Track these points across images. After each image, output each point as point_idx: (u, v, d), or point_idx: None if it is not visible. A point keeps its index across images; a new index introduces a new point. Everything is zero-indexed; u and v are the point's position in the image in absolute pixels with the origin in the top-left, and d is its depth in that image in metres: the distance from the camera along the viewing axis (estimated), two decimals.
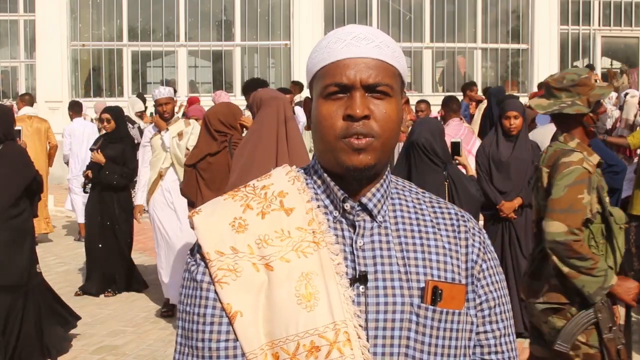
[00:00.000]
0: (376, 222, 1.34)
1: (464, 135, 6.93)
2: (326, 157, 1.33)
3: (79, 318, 5.56)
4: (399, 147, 8.42)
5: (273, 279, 1.27)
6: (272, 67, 16.75)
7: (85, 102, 11.11)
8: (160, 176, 6.28)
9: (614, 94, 10.42)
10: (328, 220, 1.33)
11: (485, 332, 1.38)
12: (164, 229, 6.28)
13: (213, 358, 1.27)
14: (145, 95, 13.30)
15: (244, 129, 5.24)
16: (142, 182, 6.56)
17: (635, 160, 6.85)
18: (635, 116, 8.23)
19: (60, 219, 11.07)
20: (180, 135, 6.20)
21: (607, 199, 3.18)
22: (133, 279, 7.27)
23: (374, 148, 1.28)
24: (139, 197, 6.62)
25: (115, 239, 7.15)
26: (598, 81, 11.10)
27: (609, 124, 9.42)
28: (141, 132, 10.69)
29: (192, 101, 10.89)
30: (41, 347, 5.03)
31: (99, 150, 7.11)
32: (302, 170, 1.40)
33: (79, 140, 9.64)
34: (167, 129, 6.25)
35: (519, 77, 16.40)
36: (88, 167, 7.32)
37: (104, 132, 7.52)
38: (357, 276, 1.29)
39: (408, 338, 1.28)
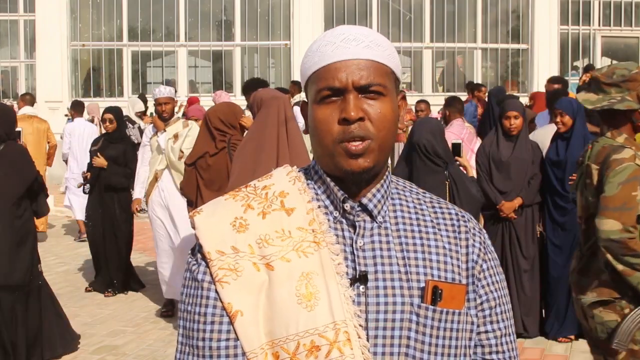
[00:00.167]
0: (376, 222, 1.34)
1: (466, 136, 6.93)
2: (324, 161, 1.33)
3: (78, 337, 5.56)
4: (399, 147, 8.43)
5: (274, 279, 1.27)
6: (272, 67, 16.75)
7: (85, 102, 11.11)
8: (156, 178, 6.26)
9: None
10: (328, 220, 1.33)
11: (486, 331, 1.38)
12: (162, 230, 6.28)
13: (214, 357, 1.27)
14: (146, 96, 13.31)
15: (244, 129, 5.24)
16: (141, 179, 6.61)
17: None
18: None
19: (60, 218, 11.07)
20: (175, 137, 6.17)
21: None
22: (131, 279, 7.27)
23: (371, 150, 1.28)
24: (137, 191, 6.66)
25: (115, 239, 7.15)
26: None
27: None
28: (141, 132, 10.70)
29: (192, 101, 10.89)
30: (42, 348, 5.03)
31: (99, 153, 7.11)
32: (303, 171, 1.41)
33: (78, 140, 9.68)
34: (165, 130, 6.24)
35: (519, 77, 16.40)
36: (88, 169, 7.32)
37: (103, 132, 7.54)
38: (357, 276, 1.29)
39: (408, 338, 1.29)
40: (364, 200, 1.34)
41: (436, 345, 1.30)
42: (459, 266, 1.35)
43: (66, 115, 11.91)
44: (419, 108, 8.85)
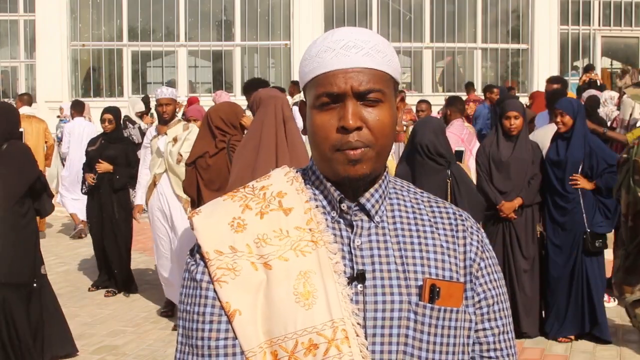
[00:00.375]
0: (374, 222, 1.35)
1: (466, 136, 6.93)
2: (322, 165, 1.34)
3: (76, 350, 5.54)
4: (399, 148, 8.42)
5: (271, 278, 1.28)
6: (272, 67, 16.76)
7: (85, 102, 11.12)
8: (155, 182, 6.21)
9: (616, 95, 10.42)
10: (326, 220, 1.34)
11: (484, 329, 1.38)
12: (162, 233, 6.25)
13: (212, 356, 1.28)
14: (149, 96, 13.30)
15: (245, 129, 5.24)
16: (142, 182, 6.54)
17: None
18: (630, 115, 8.23)
19: (60, 218, 11.06)
20: (174, 140, 6.11)
21: None
22: (129, 280, 7.27)
23: (369, 158, 1.29)
24: (138, 196, 6.59)
25: (115, 238, 7.16)
26: (598, 81, 11.13)
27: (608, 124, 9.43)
28: (142, 132, 10.70)
29: (191, 101, 10.88)
30: (42, 348, 5.03)
31: (99, 155, 7.11)
32: (301, 171, 1.41)
33: (77, 139, 9.75)
34: (166, 134, 6.18)
35: (519, 77, 16.40)
36: (85, 169, 7.31)
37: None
38: (355, 275, 1.30)
39: (406, 336, 1.29)
40: (362, 200, 1.34)
41: (434, 343, 1.30)
42: (456, 264, 1.36)
43: (58, 116, 11.95)
44: (420, 108, 8.84)
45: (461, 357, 1.34)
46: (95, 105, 11.94)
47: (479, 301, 1.38)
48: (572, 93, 9.98)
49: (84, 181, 7.37)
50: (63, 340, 5.22)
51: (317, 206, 1.35)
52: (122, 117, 9.90)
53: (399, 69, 1.37)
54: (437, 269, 1.34)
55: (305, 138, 6.95)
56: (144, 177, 6.54)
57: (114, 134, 7.28)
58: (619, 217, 6.00)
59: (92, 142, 7.42)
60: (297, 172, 1.41)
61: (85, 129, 9.84)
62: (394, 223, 1.36)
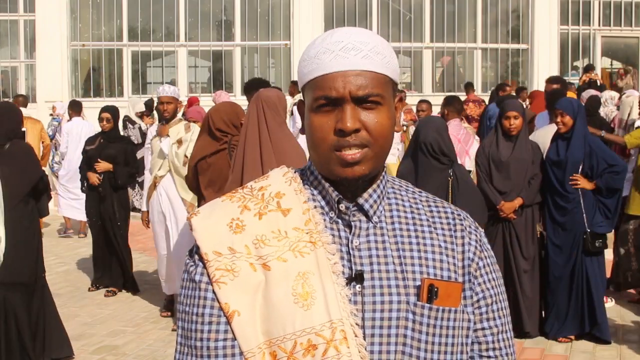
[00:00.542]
0: (372, 222, 1.35)
1: (463, 136, 6.93)
2: (320, 166, 1.34)
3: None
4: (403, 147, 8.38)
5: (270, 279, 1.28)
6: (272, 67, 16.75)
7: (85, 102, 11.15)
8: (155, 184, 6.15)
9: (616, 95, 10.42)
10: (325, 220, 1.34)
11: (483, 329, 1.39)
12: (161, 231, 6.23)
13: (212, 357, 1.28)
14: (153, 99, 13.29)
15: None
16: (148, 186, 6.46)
17: (633, 159, 6.84)
18: (628, 115, 8.24)
19: (60, 218, 11.06)
20: (179, 142, 6.06)
21: None
22: (129, 279, 7.27)
23: (368, 158, 1.29)
24: (144, 203, 6.48)
25: (115, 238, 7.17)
26: (598, 81, 11.16)
27: None
28: (142, 132, 10.71)
29: (192, 101, 10.87)
30: (43, 348, 5.03)
31: (98, 154, 7.11)
32: (299, 172, 1.41)
33: (75, 139, 9.84)
34: (168, 135, 6.13)
35: (519, 77, 16.39)
36: (83, 167, 7.31)
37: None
38: (353, 275, 1.30)
39: (405, 336, 1.29)
40: (360, 201, 1.34)
41: (432, 343, 1.31)
42: (455, 264, 1.36)
43: (51, 114, 11.97)
44: (420, 108, 8.83)
45: (460, 356, 1.35)
46: (95, 105, 11.90)
47: (478, 301, 1.38)
48: (572, 93, 9.98)
49: (83, 180, 7.36)
50: (61, 341, 5.22)
51: (315, 207, 1.35)
52: (123, 117, 9.97)
53: (398, 70, 1.36)
54: (436, 269, 1.34)
55: (303, 139, 6.98)
56: (148, 181, 6.47)
57: (113, 133, 7.29)
58: (619, 217, 6.01)
59: (90, 141, 7.39)
60: (295, 172, 1.41)
61: (84, 129, 9.91)
62: (392, 223, 1.36)
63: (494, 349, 1.39)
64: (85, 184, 7.31)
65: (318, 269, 1.28)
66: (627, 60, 16.67)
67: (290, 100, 9.81)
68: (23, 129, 5.72)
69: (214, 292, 1.29)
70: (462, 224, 1.41)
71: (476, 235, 1.41)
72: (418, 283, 1.31)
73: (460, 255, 1.37)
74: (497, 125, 5.75)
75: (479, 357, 1.39)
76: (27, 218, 4.87)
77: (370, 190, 1.35)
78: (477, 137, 7.46)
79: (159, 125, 6.44)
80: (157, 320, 6.31)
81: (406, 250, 1.34)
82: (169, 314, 6.38)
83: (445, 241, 1.37)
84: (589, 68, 13.33)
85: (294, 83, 11.99)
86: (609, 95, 10.46)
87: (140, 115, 11.29)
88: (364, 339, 1.27)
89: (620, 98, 9.76)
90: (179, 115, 6.57)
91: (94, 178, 7.12)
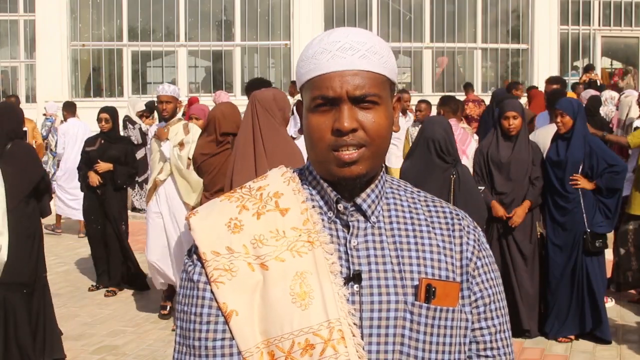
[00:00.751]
0: (370, 222, 1.35)
1: (459, 136, 6.92)
2: (318, 166, 1.35)
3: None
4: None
5: (268, 278, 1.28)
6: (272, 67, 16.75)
7: (85, 102, 11.16)
8: (156, 187, 6.10)
9: (616, 95, 10.42)
10: (323, 220, 1.34)
11: (481, 328, 1.39)
12: (158, 228, 6.16)
13: (210, 357, 1.28)
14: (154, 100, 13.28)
15: None
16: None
17: (633, 159, 6.84)
18: (626, 115, 8.25)
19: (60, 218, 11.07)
20: (181, 145, 5.99)
21: None
22: (133, 276, 7.27)
23: (365, 158, 1.29)
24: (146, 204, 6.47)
25: (116, 237, 7.19)
26: (598, 81, 11.16)
27: None
28: (142, 133, 10.71)
29: (192, 102, 10.87)
30: (43, 348, 5.03)
31: (101, 155, 7.12)
32: (298, 172, 1.42)
33: (72, 140, 9.91)
34: (167, 139, 6.06)
35: (519, 77, 16.39)
36: (82, 168, 7.31)
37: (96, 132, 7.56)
38: (351, 275, 1.30)
39: (402, 336, 1.29)
40: (358, 201, 1.35)
41: (430, 343, 1.31)
42: (453, 264, 1.36)
43: (44, 114, 12.00)
44: (419, 108, 8.83)
45: (457, 356, 1.35)
46: (95, 105, 11.90)
47: (476, 300, 1.38)
48: (572, 93, 9.99)
49: (83, 180, 7.35)
50: (57, 343, 5.21)
51: (313, 206, 1.35)
52: (123, 117, 9.99)
53: (396, 70, 1.36)
54: (434, 269, 1.34)
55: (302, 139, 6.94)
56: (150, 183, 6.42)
57: (113, 133, 7.29)
58: (619, 217, 6.00)
59: (90, 142, 7.36)
60: (294, 172, 1.41)
61: (79, 130, 10.00)
62: (391, 223, 1.37)
63: (491, 348, 1.40)
64: (85, 184, 7.31)
65: (316, 268, 1.28)
66: (627, 60, 16.67)
67: (291, 101, 9.79)
68: (25, 129, 5.73)
69: (212, 291, 1.29)
70: (460, 224, 1.41)
71: (474, 235, 1.41)
72: (416, 283, 1.32)
73: (458, 254, 1.37)
74: (496, 126, 5.75)
75: (477, 356, 1.39)
76: (27, 218, 4.87)
77: (368, 190, 1.35)
78: (475, 137, 7.45)
79: (157, 127, 6.40)
80: (157, 320, 6.31)
81: (404, 250, 1.34)
82: (169, 304, 6.30)
83: (443, 241, 1.38)
84: (589, 68, 13.34)
85: (294, 83, 11.99)
86: (609, 95, 10.47)
87: (141, 115, 11.28)
88: (362, 339, 1.27)
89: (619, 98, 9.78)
90: (179, 114, 6.55)
91: (95, 178, 7.11)
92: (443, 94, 11.11)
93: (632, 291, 6.68)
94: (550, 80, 8.55)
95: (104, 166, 7.08)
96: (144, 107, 11.54)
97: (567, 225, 5.51)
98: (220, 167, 5.17)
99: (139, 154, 9.97)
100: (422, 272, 1.33)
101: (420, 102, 9.11)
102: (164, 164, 6.09)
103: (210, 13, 15.93)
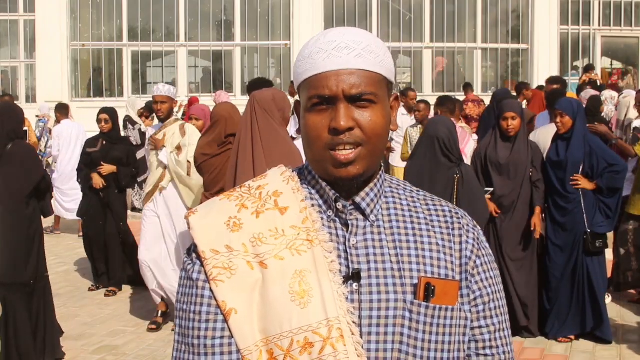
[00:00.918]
0: (369, 221, 1.35)
1: (459, 135, 6.93)
2: (316, 166, 1.35)
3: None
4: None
5: (267, 277, 1.28)
6: (272, 67, 16.76)
7: (85, 102, 11.17)
8: (155, 191, 5.99)
9: (616, 95, 10.43)
10: (322, 219, 1.34)
11: (480, 327, 1.39)
12: (153, 227, 6.08)
13: (209, 355, 1.28)
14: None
15: None
16: None
17: (633, 159, 6.85)
18: (625, 116, 8.25)
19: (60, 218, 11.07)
20: (178, 149, 5.88)
21: None
22: (138, 274, 7.27)
23: (362, 157, 1.29)
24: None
25: (120, 237, 7.20)
26: (598, 81, 11.15)
27: None
28: (141, 133, 10.70)
29: (192, 101, 10.87)
30: (44, 348, 5.04)
31: (103, 156, 7.12)
32: (297, 171, 1.42)
33: (66, 141, 9.97)
34: (164, 146, 5.92)
35: (519, 77, 16.39)
36: (81, 169, 7.31)
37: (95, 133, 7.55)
38: (350, 274, 1.30)
39: (402, 334, 1.30)
40: (357, 199, 1.35)
41: (429, 342, 1.31)
42: (452, 262, 1.36)
43: (37, 116, 12.03)
44: (418, 108, 8.82)
45: (457, 354, 1.35)
46: (95, 106, 11.94)
47: (475, 299, 1.38)
48: (572, 93, 9.99)
49: (84, 181, 7.34)
50: (57, 343, 5.22)
51: (312, 205, 1.35)
52: (124, 117, 10.00)
53: (393, 69, 1.37)
54: (433, 267, 1.34)
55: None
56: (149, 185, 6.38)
57: (114, 134, 7.29)
58: (619, 216, 6.00)
59: (91, 144, 7.35)
60: (293, 171, 1.42)
61: (74, 131, 10.04)
62: (390, 222, 1.37)
63: (490, 347, 1.39)
64: (86, 185, 7.30)
65: (315, 267, 1.28)
66: (627, 60, 16.68)
67: (291, 101, 9.79)
68: (25, 129, 5.74)
69: (211, 290, 1.29)
70: (460, 222, 1.41)
71: (474, 234, 1.41)
72: (415, 281, 1.32)
73: (457, 253, 1.38)
74: (495, 127, 5.74)
75: (476, 355, 1.39)
76: (28, 218, 4.88)
77: (367, 189, 1.36)
78: (475, 137, 7.45)
79: (150, 136, 6.16)
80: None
81: (404, 248, 1.34)
82: (160, 320, 6.07)
83: (443, 239, 1.38)
84: (589, 68, 13.34)
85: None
86: (609, 94, 10.47)
87: (141, 114, 11.28)
88: (361, 337, 1.27)
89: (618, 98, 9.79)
90: (179, 115, 6.52)
91: (99, 181, 7.10)
92: (443, 94, 11.11)
93: (632, 291, 6.68)
94: (550, 80, 8.55)
95: (108, 168, 7.08)
96: (144, 105, 11.55)
97: (568, 225, 5.51)
98: (221, 167, 5.16)
99: (139, 154, 9.96)
100: (422, 270, 1.33)
101: (419, 102, 9.10)
102: (163, 170, 5.98)
103: (210, 13, 15.94)
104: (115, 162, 7.10)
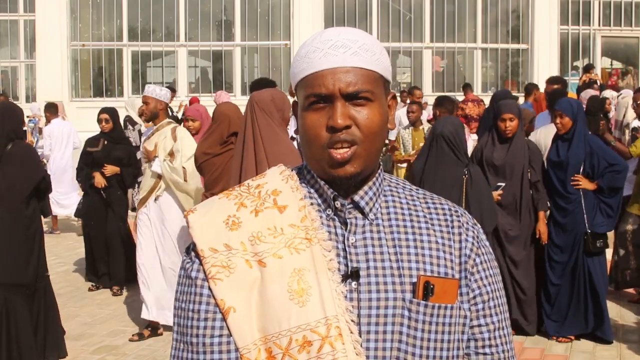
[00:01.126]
0: (368, 219, 1.35)
1: None
2: (314, 164, 1.35)
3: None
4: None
5: (266, 275, 1.28)
6: (272, 67, 16.76)
7: (85, 102, 11.17)
8: (151, 193, 5.88)
9: (616, 95, 10.43)
10: (321, 217, 1.34)
11: (479, 325, 1.39)
12: (147, 230, 6.05)
13: (207, 353, 1.29)
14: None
15: None
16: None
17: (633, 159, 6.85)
18: (623, 116, 8.25)
19: (59, 218, 11.07)
20: (171, 155, 5.75)
21: None
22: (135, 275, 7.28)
23: (358, 156, 1.29)
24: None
25: (122, 237, 7.21)
26: (598, 81, 11.15)
27: None
28: (140, 134, 10.71)
29: (193, 102, 10.87)
30: (44, 348, 5.04)
31: (106, 155, 7.13)
32: (296, 170, 1.42)
33: (58, 140, 9.99)
34: (156, 156, 5.78)
35: (519, 77, 16.41)
36: (82, 168, 7.31)
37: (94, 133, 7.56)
38: (349, 272, 1.30)
39: (400, 333, 1.29)
40: (356, 198, 1.35)
41: (428, 340, 1.31)
42: (452, 260, 1.36)
43: (28, 116, 12.04)
44: (411, 109, 8.77)
45: (456, 353, 1.35)
46: (96, 106, 11.96)
47: (474, 297, 1.38)
48: (572, 93, 9.99)
49: (85, 180, 7.34)
50: (59, 342, 5.21)
51: (311, 204, 1.35)
52: (124, 117, 10.00)
53: (389, 68, 1.37)
54: (432, 265, 1.34)
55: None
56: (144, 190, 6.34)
57: (115, 134, 7.29)
58: (619, 216, 6.00)
59: (91, 143, 7.35)
60: (292, 170, 1.42)
61: (64, 129, 10.07)
62: (389, 220, 1.37)
63: (490, 345, 1.39)
64: (87, 184, 7.30)
65: (314, 265, 1.28)
66: (627, 60, 16.68)
67: (291, 101, 9.78)
68: (25, 128, 5.74)
69: (209, 288, 1.29)
70: (459, 220, 1.41)
71: (473, 232, 1.41)
72: (414, 280, 1.31)
73: (457, 251, 1.37)
74: (492, 128, 5.72)
75: (475, 354, 1.39)
76: (28, 218, 4.88)
77: (365, 188, 1.36)
78: (474, 136, 7.44)
79: (142, 147, 6.06)
80: None
81: (403, 247, 1.34)
82: (147, 333, 5.90)
83: (442, 237, 1.38)
84: (589, 68, 13.34)
85: None
86: (609, 94, 10.47)
87: (141, 114, 11.29)
88: (360, 336, 1.27)
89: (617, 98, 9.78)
90: (180, 114, 6.51)
91: (101, 180, 7.10)
92: (443, 94, 11.12)
93: (632, 291, 6.68)
94: (550, 81, 8.55)
95: (112, 170, 7.08)
96: (142, 104, 11.56)
97: (568, 226, 5.50)
98: (223, 167, 5.15)
99: (139, 155, 9.98)
100: (421, 269, 1.33)
101: (410, 104, 9.11)
102: (155, 180, 5.85)
103: (210, 13, 15.95)
104: (117, 162, 7.11)
